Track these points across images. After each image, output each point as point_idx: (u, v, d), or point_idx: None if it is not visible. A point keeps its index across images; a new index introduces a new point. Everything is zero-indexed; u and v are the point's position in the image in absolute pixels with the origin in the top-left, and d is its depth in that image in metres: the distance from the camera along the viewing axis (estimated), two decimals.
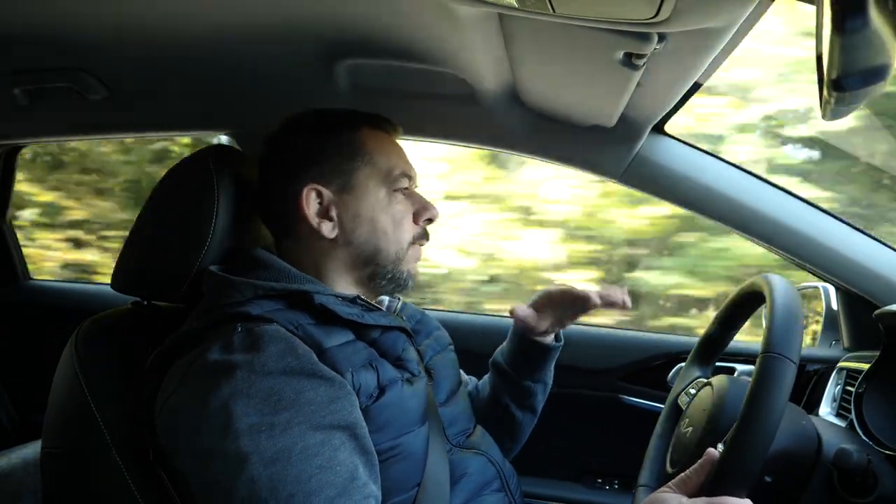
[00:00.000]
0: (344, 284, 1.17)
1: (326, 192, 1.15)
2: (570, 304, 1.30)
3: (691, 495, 0.88)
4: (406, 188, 1.20)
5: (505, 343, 1.42)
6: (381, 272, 1.17)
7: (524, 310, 1.31)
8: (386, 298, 1.29)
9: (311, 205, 1.14)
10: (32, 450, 1.61)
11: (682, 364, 1.35)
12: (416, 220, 1.21)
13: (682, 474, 0.91)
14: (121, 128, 1.85)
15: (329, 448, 0.91)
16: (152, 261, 1.17)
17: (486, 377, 1.47)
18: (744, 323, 1.26)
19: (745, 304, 1.22)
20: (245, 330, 0.98)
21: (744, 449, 0.86)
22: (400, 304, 1.30)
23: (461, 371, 1.43)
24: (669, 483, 0.92)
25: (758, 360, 0.91)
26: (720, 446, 0.90)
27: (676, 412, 1.26)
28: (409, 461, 1.06)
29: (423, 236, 1.22)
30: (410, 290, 1.23)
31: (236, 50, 1.36)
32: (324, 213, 1.15)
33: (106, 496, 1.07)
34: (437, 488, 1.08)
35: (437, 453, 1.11)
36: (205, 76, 1.51)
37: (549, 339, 1.37)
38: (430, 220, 1.23)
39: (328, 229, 1.15)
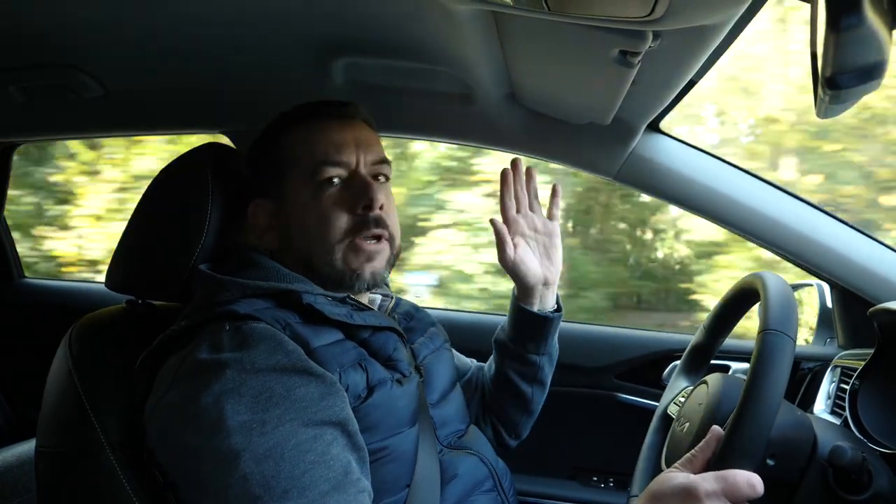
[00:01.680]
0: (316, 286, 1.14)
1: (267, 206, 1.17)
2: (523, 191, 1.32)
3: (698, 473, 0.86)
4: (338, 176, 1.13)
5: (505, 319, 1.41)
6: (322, 274, 1.13)
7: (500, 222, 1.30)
8: (378, 297, 1.28)
9: (258, 219, 1.17)
10: (28, 447, 1.61)
11: (677, 363, 1.35)
12: (353, 210, 1.13)
13: (688, 454, 0.90)
14: (117, 127, 1.85)
15: (321, 443, 0.91)
16: (146, 259, 1.16)
17: (491, 358, 1.46)
18: (731, 329, 1.26)
19: (735, 306, 1.21)
20: (233, 328, 0.98)
21: (749, 423, 0.86)
22: (393, 302, 1.30)
23: (461, 356, 1.43)
24: (676, 463, 0.91)
25: (757, 339, 0.91)
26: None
27: (667, 422, 1.25)
28: (398, 462, 1.05)
29: (363, 226, 1.13)
30: (371, 288, 1.17)
31: (232, 48, 1.36)
32: (268, 227, 1.17)
33: (100, 495, 1.07)
34: (428, 489, 1.08)
35: (428, 454, 1.11)
36: (201, 75, 1.51)
37: (548, 306, 1.35)
38: (368, 208, 1.12)
39: (270, 241, 1.17)
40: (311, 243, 1.13)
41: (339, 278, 1.13)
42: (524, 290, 1.33)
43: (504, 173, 1.32)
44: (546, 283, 1.33)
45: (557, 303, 1.38)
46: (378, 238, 1.14)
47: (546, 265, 1.33)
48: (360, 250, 1.13)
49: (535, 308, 1.34)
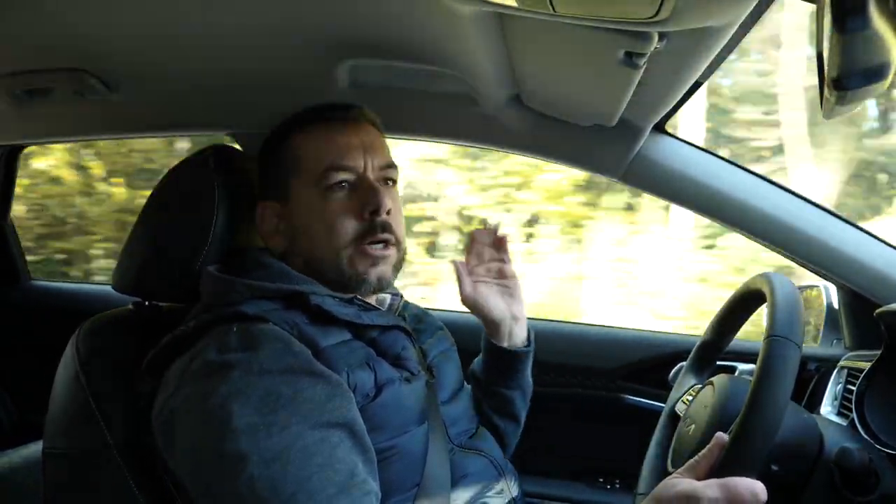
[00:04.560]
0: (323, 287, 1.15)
1: (275, 208, 1.17)
2: (493, 246, 1.32)
3: (701, 480, 0.86)
4: (345, 181, 1.14)
5: (481, 353, 1.41)
6: (332, 278, 1.13)
7: (462, 263, 1.30)
8: (387, 297, 1.28)
9: (266, 222, 1.17)
10: (33, 450, 1.62)
11: (684, 363, 1.35)
12: (361, 216, 1.13)
13: (692, 460, 0.90)
14: (122, 128, 1.85)
15: (328, 446, 0.91)
16: (153, 261, 1.17)
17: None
18: (740, 328, 1.26)
19: (743, 305, 1.21)
20: (241, 330, 0.98)
21: (753, 430, 0.86)
22: (401, 302, 1.30)
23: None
24: (679, 469, 0.91)
25: (762, 345, 0.91)
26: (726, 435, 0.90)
27: (674, 420, 1.25)
28: (406, 461, 1.05)
29: (370, 231, 1.13)
30: (378, 292, 1.19)
31: (238, 50, 1.36)
32: (275, 229, 1.17)
33: (107, 497, 1.07)
34: (438, 489, 1.08)
35: (438, 453, 1.11)
36: (206, 76, 1.51)
37: (519, 342, 1.35)
38: (375, 213, 1.13)
39: (277, 244, 1.17)
40: (318, 247, 1.13)
41: (345, 282, 1.13)
42: (492, 325, 1.33)
43: (473, 235, 1.32)
44: (514, 318, 1.33)
45: (529, 338, 1.37)
46: (385, 243, 1.14)
47: (509, 302, 1.32)
48: (367, 255, 1.13)
49: (505, 343, 1.33)
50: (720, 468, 0.87)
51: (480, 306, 1.29)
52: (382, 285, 1.16)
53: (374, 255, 1.13)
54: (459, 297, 1.30)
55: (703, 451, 0.90)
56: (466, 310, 1.30)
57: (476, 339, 1.40)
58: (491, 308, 1.29)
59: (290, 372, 0.94)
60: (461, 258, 1.32)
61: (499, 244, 1.32)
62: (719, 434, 0.90)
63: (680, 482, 0.86)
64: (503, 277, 1.32)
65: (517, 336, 1.34)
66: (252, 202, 1.20)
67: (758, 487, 0.82)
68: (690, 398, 1.20)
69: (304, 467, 0.88)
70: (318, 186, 1.13)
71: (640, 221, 4.38)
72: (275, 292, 1.06)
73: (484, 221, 1.34)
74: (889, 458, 1.06)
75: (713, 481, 0.83)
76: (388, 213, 1.14)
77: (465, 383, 1.37)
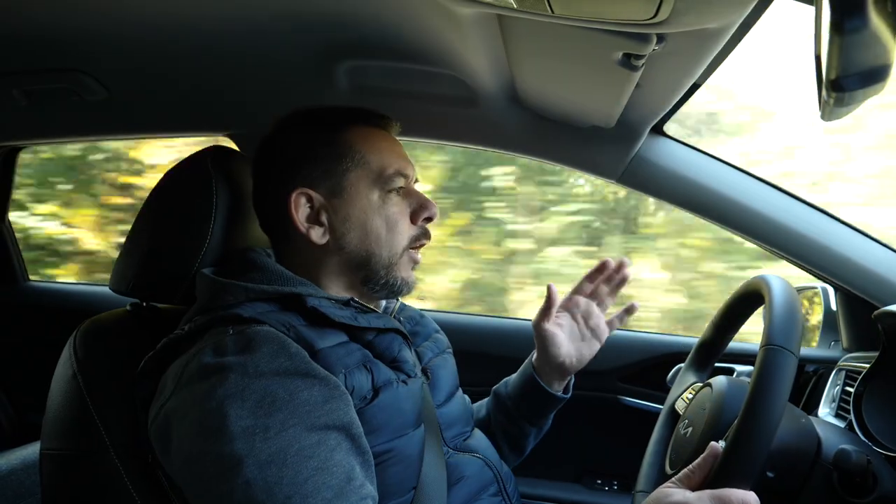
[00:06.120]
0: (337, 288, 1.16)
1: (316, 196, 1.13)
2: (607, 287, 1.34)
3: (695, 489, 0.87)
4: (402, 187, 1.16)
5: (514, 375, 1.40)
6: (373, 277, 1.15)
7: (556, 294, 1.30)
8: (383, 300, 1.28)
9: (300, 209, 1.12)
10: (31, 451, 1.61)
11: (682, 365, 1.35)
12: (413, 221, 1.17)
13: (686, 469, 0.91)
14: (120, 129, 1.85)
15: (325, 449, 0.91)
16: (151, 262, 1.17)
17: (484, 400, 1.46)
18: (740, 327, 1.26)
19: (743, 306, 1.22)
20: (237, 332, 0.98)
21: (747, 441, 0.86)
22: (398, 305, 1.30)
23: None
24: (673, 479, 0.91)
25: (759, 354, 0.91)
26: (722, 442, 0.90)
27: (674, 418, 1.25)
28: (404, 464, 1.05)
29: (422, 237, 1.18)
30: (405, 296, 1.21)
31: (236, 51, 1.36)
32: (314, 218, 1.13)
33: (104, 497, 1.07)
34: (434, 491, 1.08)
35: (434, 456, 1.11)
36: (204, 77, 1.51)
37: (555, 389, 1.34)
38: (429, 219, 1.18)
39: (318, 235, 1.13)
40: (374, 245, 1.14)
41: (392, 282, 1.16)
42: (542, 359, 1.32)
43: (604, 263, 1.33)
44: (562, 369, 1.32)
45: (569, 385, 1.37)
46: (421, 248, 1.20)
47: (573, 353, 1.31)
48: (413, 260, 1.18)
49: (543, 382, 1.33)
50: (714, 479, 0.87)
51: (547, 341, 1.29)
52: (412, 290, 1.20)
53: (417, 260, 1.19)
54: (534, 319, 1.30)
55: (698, 460, 0.91)
56: (461, 310, 1.29)
57: (473, 341, 1.40)
58: (556, 348, 1.30)
59: (286, 374, 0.94)
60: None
61: (618, 284, 1.34)
62: (713, 444, 0.91)
63: (674, 493, 0.87)
64: (594, 330, 1.33)
65: (555, 383, 1.35)
66: (249, 204, 1.19)
67: (751, 499, 0.83)
68: (690, 396, 1.20)
69: (301, 471, 0.88)
70: (380, 187, 1.14)
71: None
72: (270, 294, 1.06)
73: (622, 261, 1.34)
74: (887, 459, 1.06)
75: (706, 493, 0.85)
76: None
77: (461, 386, 1.37)
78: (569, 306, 1.33)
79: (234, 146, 1.78)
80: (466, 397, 1.39)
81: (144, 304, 1.21)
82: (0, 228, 2.41)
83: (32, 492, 1.57)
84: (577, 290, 1.34)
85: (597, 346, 1.33)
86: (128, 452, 1.06)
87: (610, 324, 1.34)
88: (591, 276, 1.34)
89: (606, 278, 1.34)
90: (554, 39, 1.07)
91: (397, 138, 1.23)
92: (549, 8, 0.80)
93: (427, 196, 1.19)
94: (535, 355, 1.35)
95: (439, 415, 1.19)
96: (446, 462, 1.14)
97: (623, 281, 1.33)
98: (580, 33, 0.98)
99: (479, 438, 1.28)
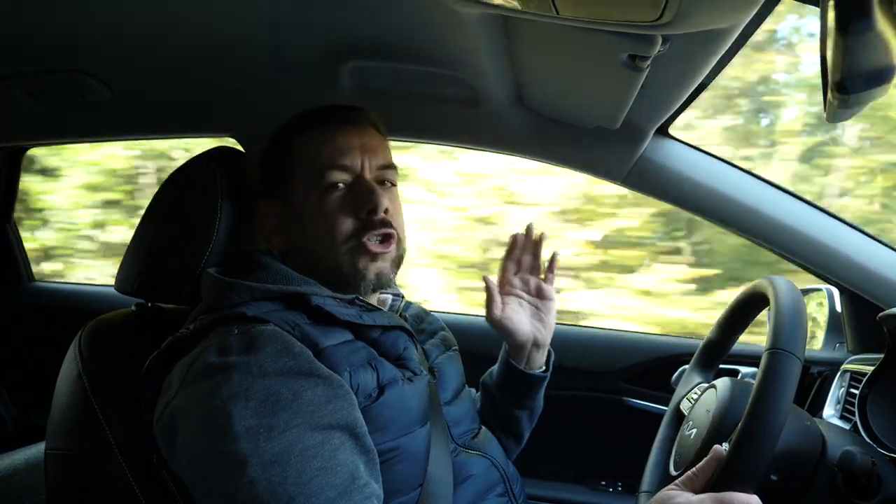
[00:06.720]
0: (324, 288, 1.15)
1: (276, 208, 1.17)
2: (529, 255, 1.33)
3: (698, 493, 0.87)
4: (343, 181, 1.14)
5: (496, 365, 1.41)
6: (332, 277, 1.13)
7: (492, 280, 1.31)
8: (388, 297, 1.28)
9: (266, 220, 1.18)
10: (36, 451, 1.62)
11: (686, 366, 1.35)
12: (357, 214, 1.13)
13: (689, 472, 0.91)
14: (123, 130, 1.86)
15: (329, 448, 0.91)
16: (156, 263, 1.17)
17: (477, 394, 1.46)
18: (745, 327, 1.26)
19: (748, 307, 1.21)
20: (241, 331, 0.98)
21: (751, 445, 0.86)
22: (403, 303, 1.30)
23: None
24: (676, 481, 0.91)
25: (763, 357, 0.91)
26: (725, 445, 0.90)
27: (678, 418, 1.25)
28: (409, 462, 1.05)
29: (367, 228, 1.13)
30: (377, 289, 1.18)
31: (241, 52, 1.36)
32: (276, 228, 1.17)
33: (109, 497, 1.07)
34: (440, 489, 1.08)
35: (441, 453, 1.11)
36: (208, 78, 1.51)
37: (537, 367, 1.35)
38: (372, 212, 1.13)
39: (278, 243, 1.17)
40: (318, 245, 1.14)
41: (344, 279, 1.13)
42: (513, 347, 1.33)
43: (514, 238, 1.34)
44: (536, 344, 1.33)
45: (548, 363, 1.38)
46: (386, 238, 1.14)
47: (537, 326, 1.32)
48: (366, 251, 1.13)
49: (522, 365, 1.34)
50: (717, 482, 0.87)
51: (507, 329, 1.30)
52: (382, 282, 1.16)
53: (372, 251, 1.13)
54: (486, 317, 1.31)
55: (701, 463, 0.91)
56: (469, 312, 1.29)
57: (478, 341, 1.40)
58: (517, 332, 1.30)
59: (290, 374, 0.94)
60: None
61: (536, 250, 1.33)
62: (716, 447, 0.90)
63: (677, 496, 0.88)
64: (539, 296, 1.33)
65: (536, 360, 1.35)
66: (254, 204, 1.20)
67: (754, 501, 0.84)
68: (695, 396, 1.20)
69: (304, 470, 0.88)
70: (316, 186, 1.14)
71: None
72: (275, 293, 1.06)
73: (529, 227, 1.35)
74: (892, 461, 1.06)
75: (709, 496, 0.85)
76: (386, 212, 1.14)
77: (467, 385, 1.37)
78: (507, 290, 1.33)
79: (239, 147, 1.78)
80: (473, 391, 1.40)
81: (149, 304, 1.21)
82: (5, 229, 2.42)
83: (37, 492, 1.57)
84: (505, 273, 1.33)
85: (553, 307, 1.34)
86: (132, 452, 1.06)
87: (548, 282, 1.34)
88: (510, 255, 1.34)
89: (523, 249, 1.34)
90: (559, 41, 1.07)
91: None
92: (554, 9, 0.80)
93: (374, 188, 1.14)
94: (506, 344, 1.36)
95: (446, 412, 1.19)
96: (453, 461, 1.15)
97: (538, 244, 1.34)
98: (585, 35, 0.98)
99: (486, 437, 1.28)
